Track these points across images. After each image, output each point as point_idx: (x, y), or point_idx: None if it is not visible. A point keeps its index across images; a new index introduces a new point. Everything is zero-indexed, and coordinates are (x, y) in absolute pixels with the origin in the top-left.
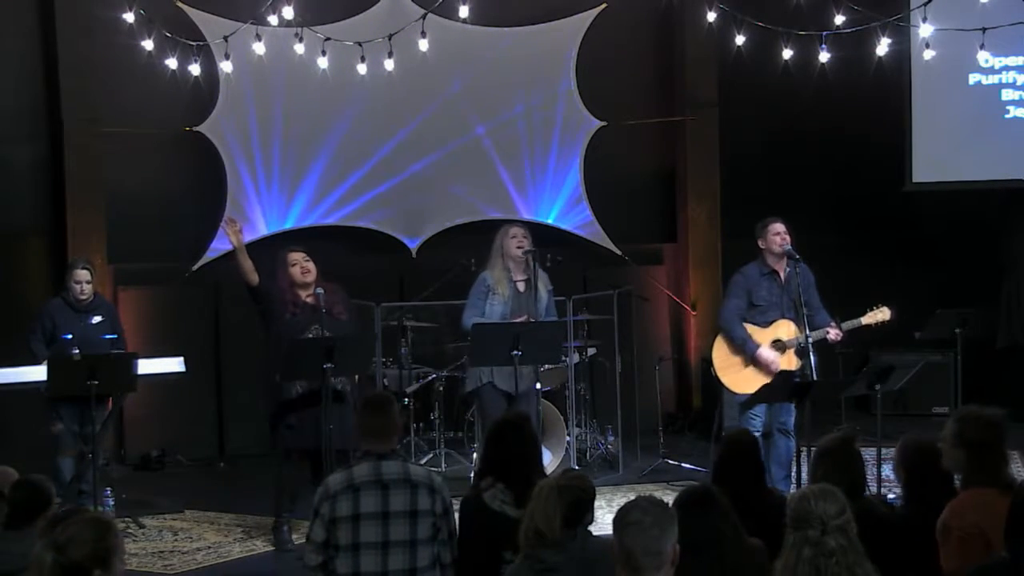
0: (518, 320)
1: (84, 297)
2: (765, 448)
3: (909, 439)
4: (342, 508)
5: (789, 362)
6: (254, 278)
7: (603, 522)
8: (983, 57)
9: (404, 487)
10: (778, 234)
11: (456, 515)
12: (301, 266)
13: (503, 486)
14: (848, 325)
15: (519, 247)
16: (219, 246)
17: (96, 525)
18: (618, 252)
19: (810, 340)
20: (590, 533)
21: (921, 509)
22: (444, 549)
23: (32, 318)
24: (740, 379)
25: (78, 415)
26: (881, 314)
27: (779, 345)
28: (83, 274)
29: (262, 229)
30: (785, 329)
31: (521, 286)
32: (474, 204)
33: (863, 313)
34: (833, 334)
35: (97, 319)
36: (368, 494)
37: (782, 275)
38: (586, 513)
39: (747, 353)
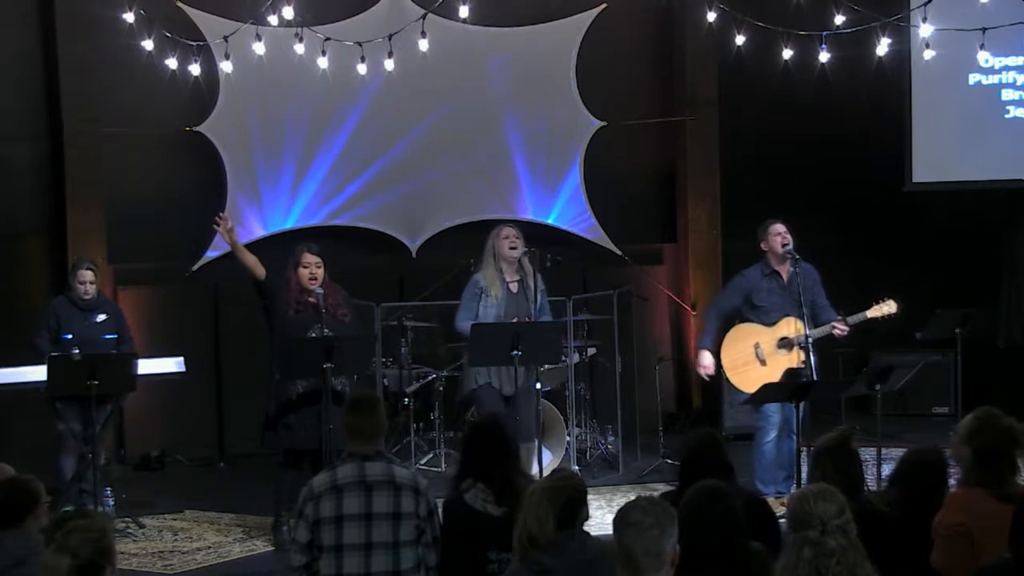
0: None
1: (88, 297)
2: (777, 449)
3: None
4: (325, 509)
5: (792, 360)
6: (261, 272)
7: (603, 522)
8: (983, 57)
9: (388, 489)
10: (779, 234)
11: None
12: (311, 271)
13: (483, 485)
14: (854, 319)
15: (512, 247)
16: (215, 254)
17: (96, 525)
18: (618, 252)
19: (810, 340)
20: (588, 534)
21: (913, 507)
22: (429, 552)
23: (37, 317)
24: (751, 379)
25: (80, 415)
26: (887, 307)
27: (786, 342)
28: (87, 275)
29: (262, 229)
30: (790, 327)
31: (514, 287)
32: (474, 203)
33: (868, 307)
34: (839, 329)
35: (101, 317)
36: (351, 495)
37: (784, 276)
38: (579, 512)
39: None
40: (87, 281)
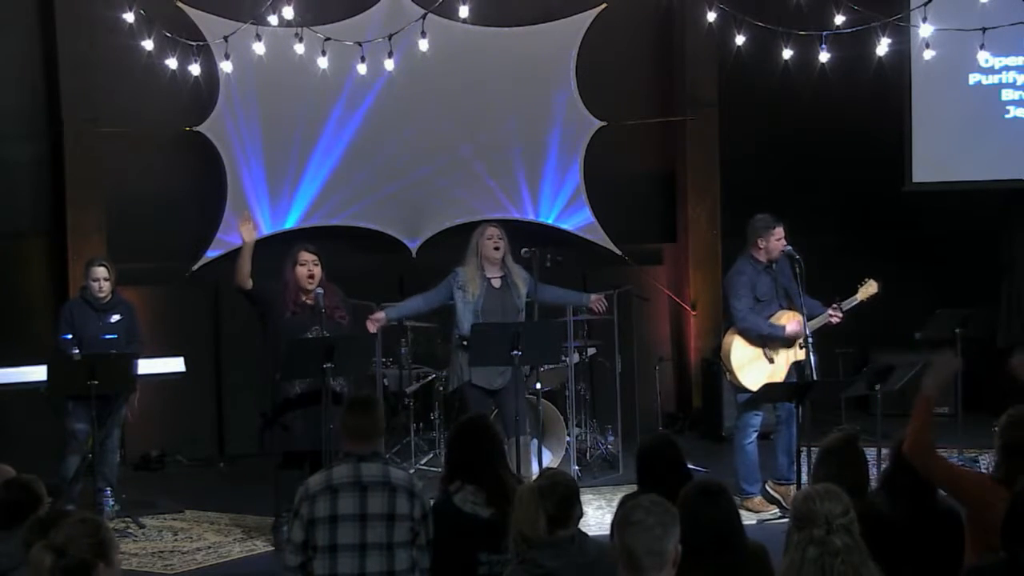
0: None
1: (102, 295)
2: (770, 444)
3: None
4: (320, 509)
5: (794, 354)
6: (248, 283)
7: (603, 522)
8: (983, 57)
9: (383, 490)
10: (780, 239)
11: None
12: (309, 269)
13: (473, 487)
14: (847, 304)
15: (495, 248)
16: (215, 253)
17: (89, 522)
18: (618, 252)
19: (811, 340)
20: (587, 536)
21: (905, 504)
22: (422, 554)
23: (57, 319)
24: (759, 378)
25: (88, 415)
26: (871, 287)
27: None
28: (100, 271)
29: (262, 229)
30: (790, 319)
31: (497, 283)
32: (475, 203)
33: (855, 292)
34: (836, 317)
35: (115, 318)
36: (346, 496)
37: (773, 267)
38: (572, 510)
39: (777, 339)
40: (100, 278)
